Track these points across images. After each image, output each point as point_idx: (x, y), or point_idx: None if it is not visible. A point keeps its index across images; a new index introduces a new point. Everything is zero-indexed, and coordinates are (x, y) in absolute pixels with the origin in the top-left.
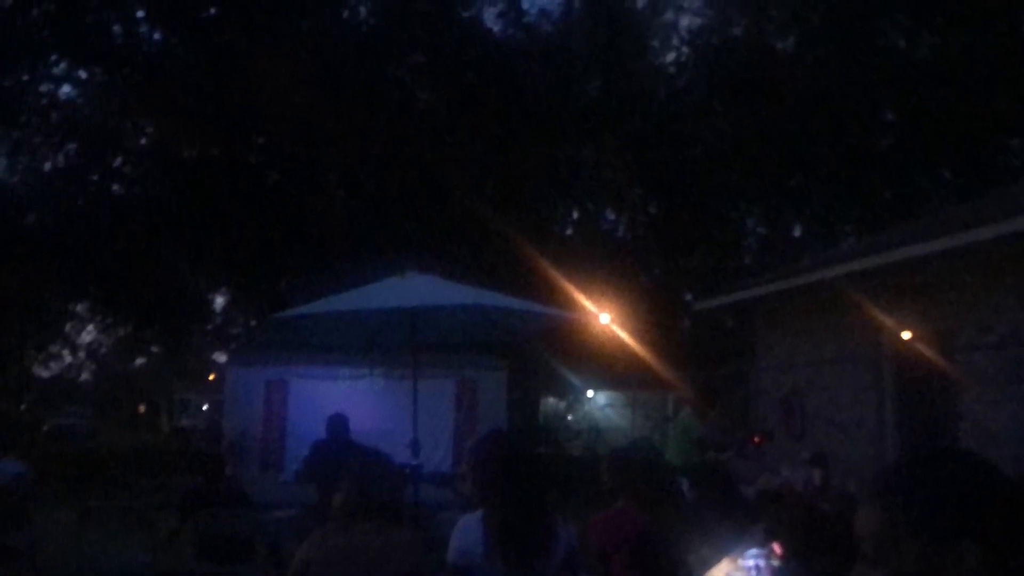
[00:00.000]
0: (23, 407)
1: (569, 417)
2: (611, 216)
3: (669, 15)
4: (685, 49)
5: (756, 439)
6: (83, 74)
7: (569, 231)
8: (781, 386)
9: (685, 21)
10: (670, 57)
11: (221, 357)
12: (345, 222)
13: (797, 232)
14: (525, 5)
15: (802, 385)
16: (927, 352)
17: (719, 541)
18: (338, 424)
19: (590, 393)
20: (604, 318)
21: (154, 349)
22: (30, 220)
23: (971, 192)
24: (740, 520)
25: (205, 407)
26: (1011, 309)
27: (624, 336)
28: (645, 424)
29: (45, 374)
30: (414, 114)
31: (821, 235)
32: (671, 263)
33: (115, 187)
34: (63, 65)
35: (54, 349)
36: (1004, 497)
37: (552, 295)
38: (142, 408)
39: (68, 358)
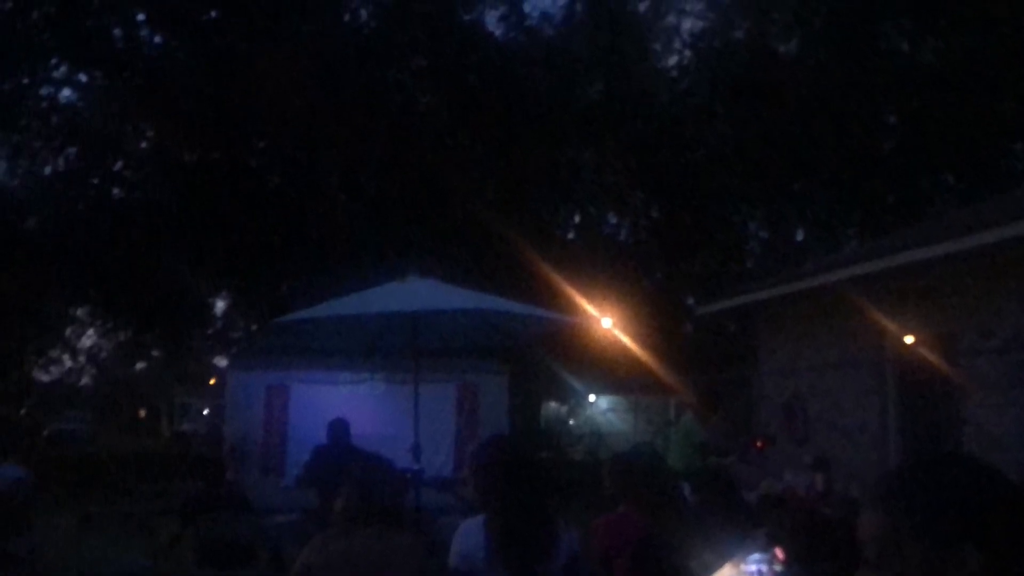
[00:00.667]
0: (23, 412)
1: (571, 422)
2: (613, 220)
3: (671, 18)
4: (687, 52)
5: (758, 443)
6: (83, 78)
7: (571, 235)
8: (783, 390)
9: (687, 24)
10: (672, 60)
11: (222, 361)
12: (346, 226)
13: (800, 236)
14: (527, 8)
15: (804, 389)
16: (930, 356)
17: (721, 546)
18: (339, 429)
19: (592, 397)
20: (606, 322)
21: (155, 353)
22: (30, 224)
23: (974, 196)
24: (742, 525)
25: (206, 411)
26: (1013, 313)
27: (626, 340)
28: (647, 428)
29: (45, 378)
30: (415, 117)
31: (824, 239)
32: (673, 267)
33: (115, 191)
34: (63, 68)
35: (54, 353)
36: (1006, 501)
37: (554, 299)
38: (142, 412)
39: (68, 362)
